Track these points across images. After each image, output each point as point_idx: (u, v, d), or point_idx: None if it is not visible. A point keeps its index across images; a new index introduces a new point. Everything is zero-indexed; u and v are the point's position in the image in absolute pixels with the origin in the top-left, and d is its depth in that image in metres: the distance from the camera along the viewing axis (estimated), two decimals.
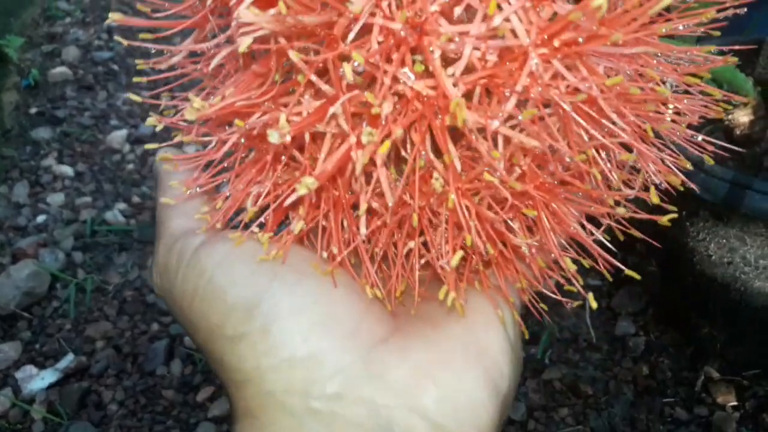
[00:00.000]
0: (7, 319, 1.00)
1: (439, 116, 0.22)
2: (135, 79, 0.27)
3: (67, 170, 1.29)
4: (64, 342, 0.97)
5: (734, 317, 0.85)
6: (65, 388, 0.91)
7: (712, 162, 0.27)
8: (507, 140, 0.23)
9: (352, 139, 0.22)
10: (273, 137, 0.21)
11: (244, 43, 0.20)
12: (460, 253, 0.24)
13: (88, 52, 1.64)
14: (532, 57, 0.21)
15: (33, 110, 1.44)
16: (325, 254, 0.28)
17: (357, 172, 0.22)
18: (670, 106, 0.27)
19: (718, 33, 0.29)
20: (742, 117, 0.76)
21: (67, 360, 0.95)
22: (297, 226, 0.26)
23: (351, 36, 0.21)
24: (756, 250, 0.77)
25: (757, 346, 0.87)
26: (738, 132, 0.77)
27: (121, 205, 1.22)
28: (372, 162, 0.23)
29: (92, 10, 1.81)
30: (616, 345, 0.95)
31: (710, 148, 0.28)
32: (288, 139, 0.22)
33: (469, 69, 0.22)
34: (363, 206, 0.24)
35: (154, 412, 0.89)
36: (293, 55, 0.21)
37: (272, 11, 0.20)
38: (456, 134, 0.24)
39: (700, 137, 0.26)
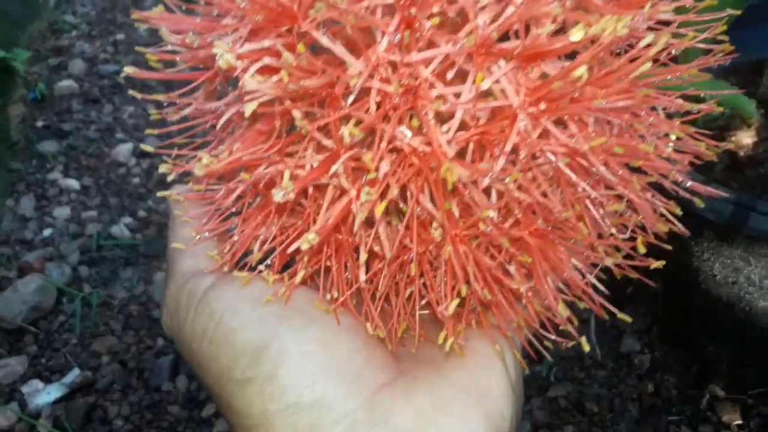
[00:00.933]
0: (13, 333, 1.01)
1: (434, 171, 0.23)
2: (147, 132, 0.28)
3: (73, 184, 1.30)
4: (70, 356, 0.98)
5: (739, 336, 0.85)
6: (71, 403, 0.92)
7: (702, 205, 0.28)
8: (500, 193, 0.24)
9: (353, 193, 0.23)
10: (278, 196, 0.22)
11: (249, 109, 0.21)
12: (456, 301, 0.25)
13: (94, 66, 1.66)
14: (521, 119, 0.22)
15: (39, 123, 1.46)
16: (328, 296, 0.28)
17: (356, 227, 0.22)
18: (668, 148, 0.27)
19: (708, 76, 0.30)
20: (746, 138, 0.76)
21: (73, 375, 0.95)
22: (300, 275, 0.27)
23: (350, 98, 0.22)
24: (760, 271, 0.78)
25: (762, 365, 0.87)
26: (742, 153, 0.77)
27: (127, 219, 1.23)
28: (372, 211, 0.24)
29: (98, 23, 1.83)
30: (621, 362, 0.95)
31: (701, 190, 0.28)
32: (292, 196, 0.23)
33: (462, 126, 0.23)
34: (363, 256, 0.25)
35: (160, 427, 0.90)
36: (297, 118, 0.22)
37: (275, 78, 0.21)
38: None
39: (689, 183, 0.27)
